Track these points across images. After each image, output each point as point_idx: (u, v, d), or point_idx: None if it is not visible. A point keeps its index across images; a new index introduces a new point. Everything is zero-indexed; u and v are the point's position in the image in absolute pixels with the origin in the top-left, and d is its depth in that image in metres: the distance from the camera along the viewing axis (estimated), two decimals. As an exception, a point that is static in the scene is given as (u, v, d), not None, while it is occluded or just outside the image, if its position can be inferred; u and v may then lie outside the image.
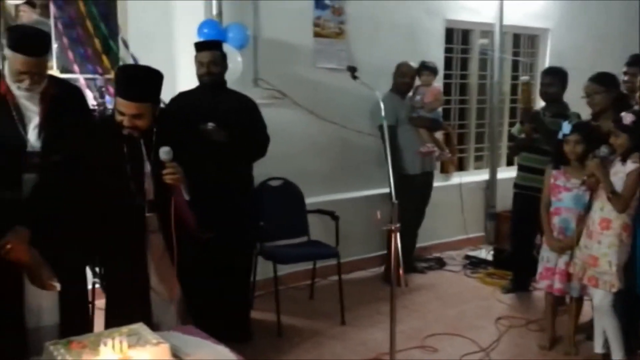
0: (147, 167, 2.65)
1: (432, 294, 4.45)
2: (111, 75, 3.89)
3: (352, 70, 3.01)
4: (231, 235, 3.18)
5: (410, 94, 4.74)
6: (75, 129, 2.58)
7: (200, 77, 3.40)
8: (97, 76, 3.84)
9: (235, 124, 3.30)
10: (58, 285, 2.26)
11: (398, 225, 2.69)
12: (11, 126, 2.46)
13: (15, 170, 2.47)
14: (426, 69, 4.69)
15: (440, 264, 5.17)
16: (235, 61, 3.89)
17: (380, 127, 4.63)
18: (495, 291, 4.50)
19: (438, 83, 4.97)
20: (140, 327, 2.34)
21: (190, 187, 2.62)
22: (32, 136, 2.51)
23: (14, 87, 2.47)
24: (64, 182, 2.51)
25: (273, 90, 4.37)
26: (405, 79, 4.65)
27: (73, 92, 2.78)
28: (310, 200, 4.34)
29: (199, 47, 3.40)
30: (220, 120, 3.25)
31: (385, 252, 4.78)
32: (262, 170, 3.95)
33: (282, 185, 4.28)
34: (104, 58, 3.78)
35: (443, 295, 4.45)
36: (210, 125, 3.20)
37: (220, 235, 2.94)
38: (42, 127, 2.53)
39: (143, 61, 3.94)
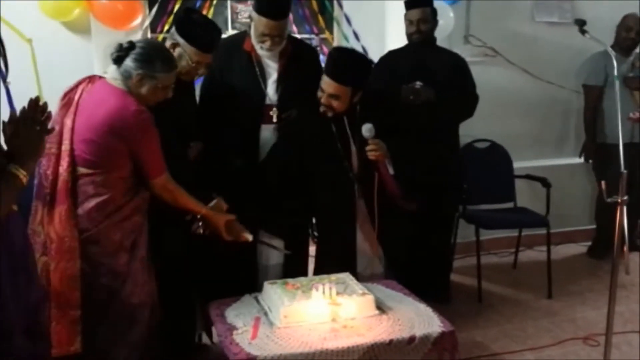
0: (353, 147, 2.76)
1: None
2: (326, 35, 4.02)
3: (581, 24, 2.71)
4: (435, 195, 3.14)
5: (638, 49, 4.15)
6: (309, 85, 2.72)
7: (409, 35, 3.35)
8: (312, 36, 4.00)
9: (444, 83, 3.21)
10: (250, 237, 2.43)
11: (626, 197, 2.41)
12: (254, 80, 2.72)
13: (256, 120, 2.73)
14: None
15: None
16: (447, 17, 3.77)
17: (584, 87, 4.19)
18: None
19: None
20: (347, 276, 2.46)
21: (395, 161, 2.67)
22: (271, 90, 2.75)
23: (257, 47, 2.71)
24: (297, 138, 2.72)
25: (485, 48, 4.17)
26: (630, 33, 4.05)
27: (308, 50, 2.98)
28: (518, 165, 4.10)
29: (409, 4, 3.34)
30: (428, 78, 3.18)
31: (594, 226, 4.38)
32: (469, 131, 3.82)
33: (489, 148, 4.10)
34: (320, 18, 3.92)
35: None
36: (418, 84, 3.15)
37: (425, 201, 2.94)
38: (280, 82, 2.75)
39: (354, 19, 4.03)
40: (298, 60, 2.79)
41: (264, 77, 2.74)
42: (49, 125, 1.62)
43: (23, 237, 1.67)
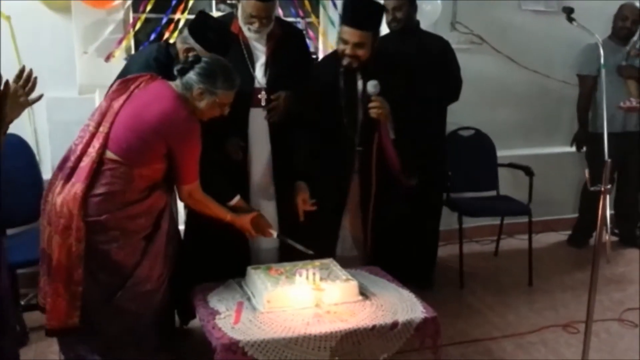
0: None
1: (637, 266, 4.01)
2: (312, 19, 3.98)
3: (569, 11, 2.70)
4: (423, 180, 3.13)
5: (635, 37, 4.16)
6: (296, 68, 2.74)
7: (388, 24, 3.34)
8: (298, 19, 3.95)
9: (426, 69, 3.18)
10: (274, 233, 2.50)
11: (609, 186, 2.42)
12: (242, 63, 2.68)
13: (245, 104, 2.68)
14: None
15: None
16: (434, 4, 3.74)
17: (579, 76, 4.21)
18: None
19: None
20: (330, 262, 2.45)
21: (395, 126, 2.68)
22: (259, 73, 2.72)
23: (245, 29, 2.67)
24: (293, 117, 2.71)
25: (471, 35, 4.16)
26: (626, 22, 4.08)
27: (296, 33, 2.94)
28: (504, 153, 4.12)
29: None
30: (408, 66, 3.15)
31: (575, 215, 4.42)
32: (453, 119, 3.80)
33: (473, 136, 4.11)
34: (306, 2, 3.87)
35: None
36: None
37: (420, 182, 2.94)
38: (268, 65, 2.72)
39: (340, 4, 3.98)
40: (286, 43, 2.76)
41: (252, 60, 2.71)
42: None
43: None
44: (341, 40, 2.66)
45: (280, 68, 2.72)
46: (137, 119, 2.10)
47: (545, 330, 3.08)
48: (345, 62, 2.67)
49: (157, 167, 2.16)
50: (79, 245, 2.05)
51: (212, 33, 2.43)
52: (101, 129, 2.11)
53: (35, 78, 1.58)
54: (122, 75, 2.47)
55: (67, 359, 2.25)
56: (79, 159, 2.11)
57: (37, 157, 3.26)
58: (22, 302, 3.06)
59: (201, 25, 2.44)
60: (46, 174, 3.30)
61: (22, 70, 1.56)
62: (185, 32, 2.45)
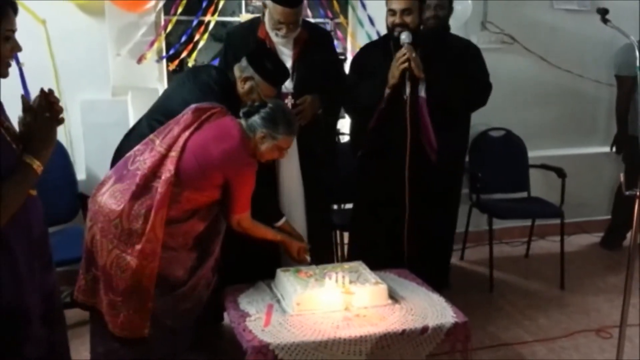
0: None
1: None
2: (340, 20, 3.97)
3: (603, 12, 2.64)
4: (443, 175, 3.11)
5: None
6: (324, 70, 2.78)
7: (425, 20, 3.28)
8: (327, 20, 3.96)
9: (452, 73, 3.12)
10: (309, 259, 2.55)
11: (645, 190, 2.37)
12: None
13: None
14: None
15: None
16: (464, 3, 3.71)
17: (617, 78, 4.12)
18: None
19: None
20: (359, 265, 2.45)
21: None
22: None
23: (272, 34, 2.69)
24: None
25: (502, 35, 4.11)
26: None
27: (322, 35, 2.95)
28: (533, 154, 4.07)
29: None
30: (434, 69, 3.11)
31: (608, 217, 4.34)
32: (483, 119, 3.78)
33: (504, 137, 4.07)
34: (334, 2, 3.87)
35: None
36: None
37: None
38: (295, 70, 2.73)
39: (369, 4, 3.97)
40: (313, 46, 2.76)
41: None
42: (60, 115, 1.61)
43: (42, 222, 1.67)
44: (389, 12, 2.78)
45: (307, 72, 2.73)
46: (203, 150, 2.18)
47: (578, 334, 3.04)
48: (396, 33, 2.75)
49: (207, 194, 2.23)
50: (156, 266, 2.12)
51: (270, 63, 2.49)
52: (173, 153, 2.18)
53: (58, 103, 1.58)
54: (173, 91, 2.59)
55: (95, 353, 2.30)
56: (148, 177, 2.15)
57: (72, 158, 3.33)
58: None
59: (261, 56, 2.51)
60: (80, 174, 3.38)
61: (42, 95, 1.56)
62: (244, 61, 2.50)
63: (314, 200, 2.82)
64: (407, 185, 2.85)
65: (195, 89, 2.47)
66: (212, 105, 2.32)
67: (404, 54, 2.71)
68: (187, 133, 2.22)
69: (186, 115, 2.27)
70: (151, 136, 2.29)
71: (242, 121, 2.30)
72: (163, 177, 2.13)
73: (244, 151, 2.21)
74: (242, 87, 2.49)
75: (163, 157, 2.18)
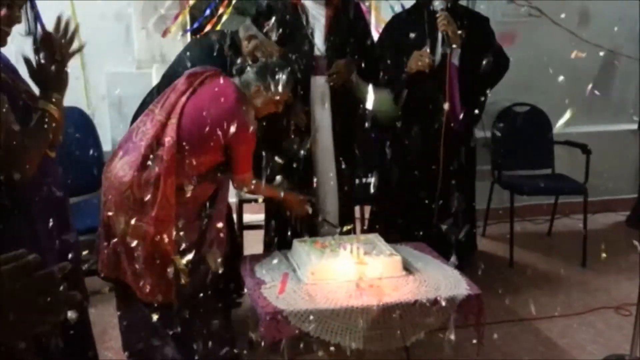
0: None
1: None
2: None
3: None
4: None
5: None
6: (355, 36, 2.83)
7: None
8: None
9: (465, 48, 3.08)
10: (310, 210, 2.60)
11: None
12: (302, 32, 2.75)
13: (306, 72, 2.74)
14: None
15: None
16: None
17: None
18: None
19: None
20: (375, 237, 2.47)
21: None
22: (319, 41, 2.78)
23: None
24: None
25: (529, 7, 4.01)
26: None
27: (354, 3, 2.96)
28: (558, 130, 4.00)
29: None
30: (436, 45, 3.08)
31: (635, 195, 4.25)
32: (508, 95, 3.72)
33: (528, 112, 4.00)
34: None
35: None
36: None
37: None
38: (327, 32, 2.78)
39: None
40: (344, 12, 2.81)
41: (311, 28, 2.77)
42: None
43: (59, 185, 1.71)
44: None
45: (339, 35, 2.78)
46: (201, 112, 2.20)
47: (596, 311, 3.03)
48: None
49: (210, 158, 2.26)
50: (172, 234, 2.16)
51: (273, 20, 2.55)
52: (172, 120, 2.20)
53: (76, 27, 1.56)
54: (179, 59, 2.60)
55: (124, 325, 2.37)
56: (151, 147, 2.17)
57: (97, 130, 3.40)
58: (84, 268, 3.23)
59: (263, 15, 2.61)
60: (105, 145, 3.46)
61: (59, 21, 1.52)
62: (248, 21, 2.56)
63: (344, 173, 2.87)
64: (441, 155, 2.95)
65: (198, 53, 2.52)
66: (205, 69, 2.34)
67: (442, 20, 2.78)
68: (183, 98, 2.24)
69: (181, 81, 2.30)
70: (151, 106, 2.32)
71: (236, 79, 2.31)
72: (166, 145, 2.16)
73: (241, 109, 2.22)
74: (246, 47, 2.54)
75: (163, 125, 2.20)
